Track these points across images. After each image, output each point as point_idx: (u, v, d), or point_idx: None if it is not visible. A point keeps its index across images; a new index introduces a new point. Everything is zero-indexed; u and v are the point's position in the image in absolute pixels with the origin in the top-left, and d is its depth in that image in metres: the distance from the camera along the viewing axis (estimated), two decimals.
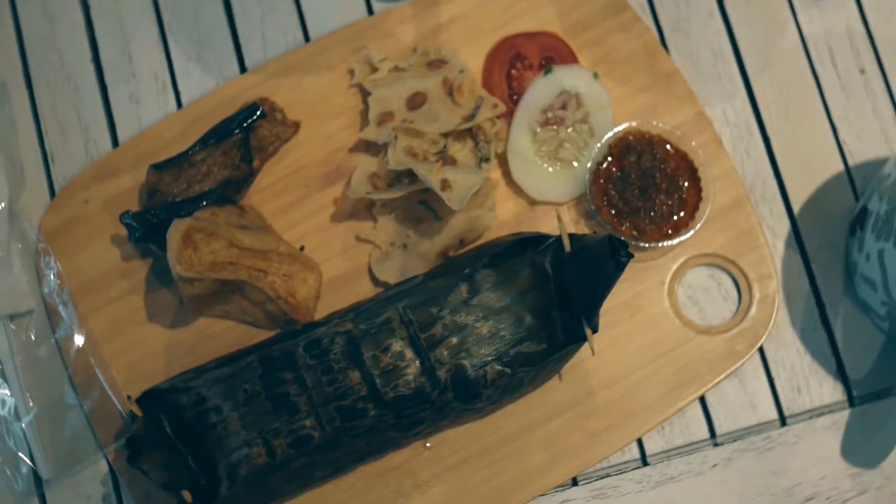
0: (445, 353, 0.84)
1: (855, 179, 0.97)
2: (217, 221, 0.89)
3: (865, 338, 0.94)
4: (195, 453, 0.85)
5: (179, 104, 0.98)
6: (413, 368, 0.84)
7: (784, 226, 0.96)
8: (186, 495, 0.83)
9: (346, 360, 0.84)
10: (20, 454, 0.91)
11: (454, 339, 0.85)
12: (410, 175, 0.91)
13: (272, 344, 0.86)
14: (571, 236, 0.86)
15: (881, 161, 0.97)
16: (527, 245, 0.88)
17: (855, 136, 0.98)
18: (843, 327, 0.94)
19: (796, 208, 0.96)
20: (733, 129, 0.98)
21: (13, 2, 0.99)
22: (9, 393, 0.91)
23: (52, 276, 0.92)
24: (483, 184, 0.90)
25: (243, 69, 0.98)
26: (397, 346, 0.85)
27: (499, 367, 0.84)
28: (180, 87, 0.98)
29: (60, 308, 0.92)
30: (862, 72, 0.99)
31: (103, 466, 0.92)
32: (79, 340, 0.92)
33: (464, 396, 0.85)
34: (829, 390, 0.93)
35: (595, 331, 0.85)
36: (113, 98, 0.98)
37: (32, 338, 0.92)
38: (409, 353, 0.84)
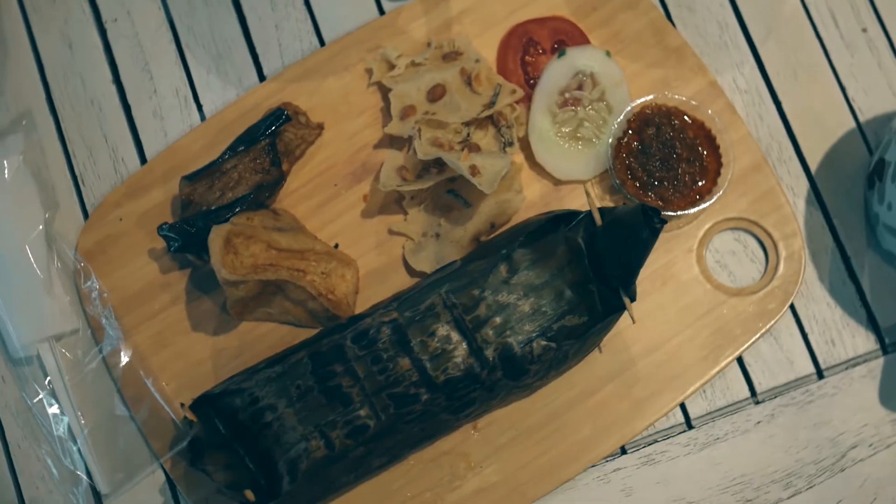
0: (491, 332, 0.86)
1: (867, 134, 0.99)
2: (253, 225, 0.90)
3: (892, 286, 0.96)
4: (253, 453, 0.86)
5: (203, 117, 0.99)
6: (461, 350, 0.86)
7: (803, 185, 0.98)
8: (249, 494, 0.84)
9: (394, 348, 0.86)
10: (77, 472, 0.92)
11: (498, 319, 0.87)
12: (438, 165, 0.93)
13: (319, 339, 0.88)
14: (601, 210, 0.88)
15: (891, 115, 0.99)
16: (559, 222, 0.90)
17: (863, 92, 1.00)
18: (869, 278, 0.96)
19: (813, 167, 0.99)
20: (745, 95, 1.00)
21: (31, 31, 1.01)
22: (62, 412, 0.92)
23: (93, 295, 0.94)
24: (509, 167, 0.92)
25: (262, 77, 1.00)
26: (443, 330, 0.86)
27: (544, 342, 0.86)
28: (202, 100, 1.00)
29: (105, 325, 0.93)
30: (864, 30, 1.01)
31: (160, 476, 0.93)
32: (126, 355, 0.93)
33: (512, 374, 0.87)
34: (861, 340, 0.96)
35: (633, 299, 0.87)
36: (137, 116, 0.99)
37: (80, 356, 0.94)
38: (455, 336, 0.86)
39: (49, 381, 0.93)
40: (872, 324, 0.96)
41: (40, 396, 0.93)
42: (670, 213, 0.93)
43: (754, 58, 1.01)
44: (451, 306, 0.87)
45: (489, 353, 0.86)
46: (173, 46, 1.01)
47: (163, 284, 0.95)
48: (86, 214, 0.98)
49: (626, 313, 0.87)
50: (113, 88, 1.00)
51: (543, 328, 0.86)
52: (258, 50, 1.01)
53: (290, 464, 0.85)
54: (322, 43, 1.01)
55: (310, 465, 0.85)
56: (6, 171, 0.94)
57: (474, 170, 0.90)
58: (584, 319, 0.87)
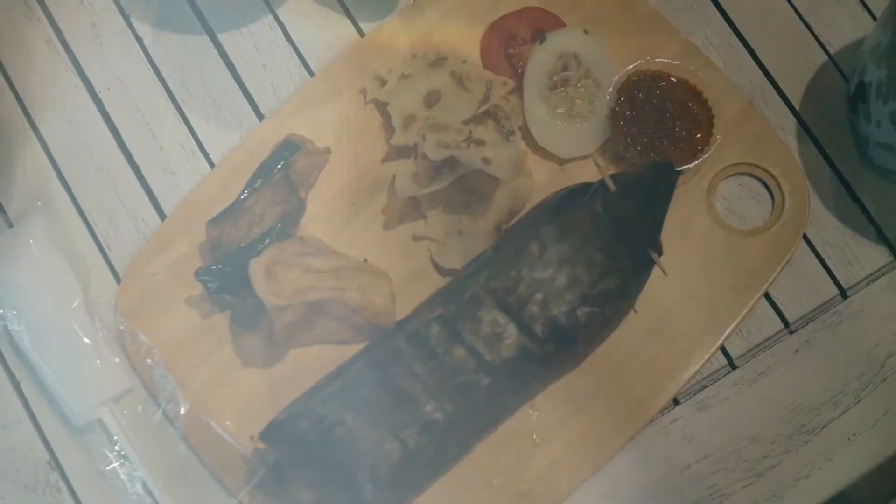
0: (535, 308, 0.90)
1: (839, 64, 1.05)
2: (286, 254, 0.93)
3: (893, 200, 1.01)
4: (331, 469, 0.88)
5: (212, 164, 1.02)
6: (511, 330, 0.89)
7: (790, 122, 1.03)
8: None
9: (447, 341, 0.89)
10: None
11: (540, 294, 0.90)
12: (449, 165, 0.96)
13: (372, 349, 0.91)
14: (613, 176, 0.92)
15: (858, 41, 1.05)
16: (575, 196, 0.93)
17: (827, 26, 1.06)
18: (871, 196, 1.01)
19: (796, 104, 1.04)
20: (719, 49, 1.05)
21: (28, 114, 1.03)
22: (134, 471, 0.94)
23: (142, 352, 0.96)
24: (518, 152, 0.96)
25: (261, 116, 1.03)
26: (490, 314, 0.89)
27: (587, 309, 0.90)
28: (208, 149, 1.02)
29: (158, 378, 0.95)
30: None
31: None
32: (184, 403, 0.95)
33: (563, 344, 0.90)
34: (876, 255, 1.00)
35: (661, 254, 0.91)
36: (148, 176, 1.02)
37: (140, 413, 0.95)
38: (502, 319, 0.89)
39: (116, 443, 0.94)
40: (883, 238, 1.00)
41: (110, 458, 0.94)
42: (676, 171, 0.97)
43: (720, 13, 1.06)
44: (493, 291, 0.90)
45: (538, 328, 0.89)
46: (170, 103, 1.04)
47: (206, 328, 0.97)
48: (117, 277, 1.00)
49: (656, 269, 0.91)
50: (119, 153, 1.03)
51: (584, 295, 0.90)
52: (251, 92, 1.04)
53: (371, 471, 0.87)
54: (311, 73, 1.04)
55: (389, 469, 0.87)
56: (33, 249, 0.96)
57: (486, 161, 0.94)
58: (620, 280, 0.91)
